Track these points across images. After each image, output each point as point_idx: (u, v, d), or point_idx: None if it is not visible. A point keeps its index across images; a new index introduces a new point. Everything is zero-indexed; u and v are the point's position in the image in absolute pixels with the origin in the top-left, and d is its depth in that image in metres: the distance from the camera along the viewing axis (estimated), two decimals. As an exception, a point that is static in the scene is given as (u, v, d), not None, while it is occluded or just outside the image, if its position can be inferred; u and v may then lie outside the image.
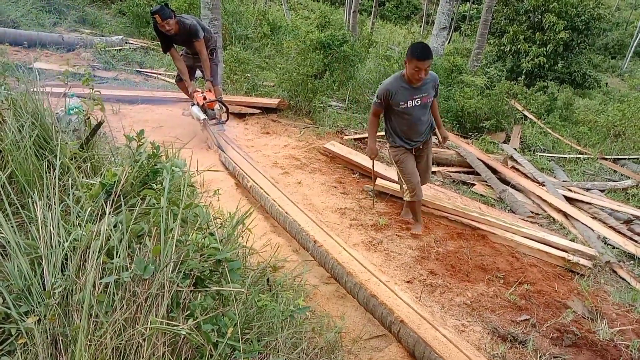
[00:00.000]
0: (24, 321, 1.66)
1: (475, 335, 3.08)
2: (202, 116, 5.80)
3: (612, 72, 27.78)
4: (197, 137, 5.85)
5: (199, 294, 1.74)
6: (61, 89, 4.23)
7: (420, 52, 3.61)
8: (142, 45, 10.74)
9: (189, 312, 1.67)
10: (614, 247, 4.63)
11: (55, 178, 2.24)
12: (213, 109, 5.91)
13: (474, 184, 6.09)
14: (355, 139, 6.99)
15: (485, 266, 3.93)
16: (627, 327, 3.33)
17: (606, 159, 7.96)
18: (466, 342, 2.60)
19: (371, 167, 4.67)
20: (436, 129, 4.29)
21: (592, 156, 7.99)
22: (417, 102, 3.88)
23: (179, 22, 5.43)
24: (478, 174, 6.29)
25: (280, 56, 10.33)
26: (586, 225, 5.03)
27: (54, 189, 2.19)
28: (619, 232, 4.99)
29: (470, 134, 8.47)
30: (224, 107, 6.02)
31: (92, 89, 3.94)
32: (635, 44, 29.75)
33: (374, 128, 4.18)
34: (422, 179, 4.28)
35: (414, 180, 4.12)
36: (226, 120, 6.13)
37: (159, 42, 5.76)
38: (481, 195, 5.75)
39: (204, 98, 5.83)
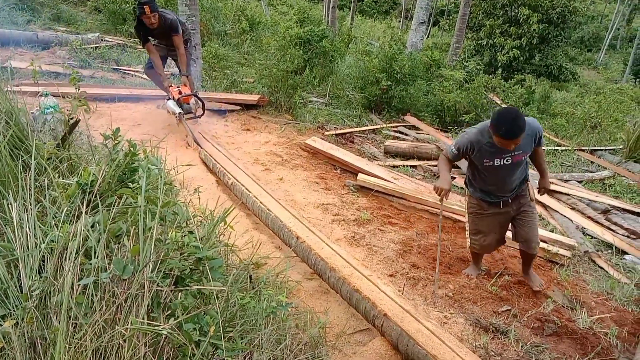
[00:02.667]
0: (1, 325, 1.62)
1: (458, 326, 3.11)
2: (178, 110, 5.80)
3: (588, 65, 28.25)
4: (175, 135, 5.80)
5: (180, 293, 1.72)
6: (36, 88, 4.14)
7: (505, 131, 2.87)
8: (118, 43, 10.57)
9: (170, 311, 1.65)
10: (592, 237, 4.72)
11: (30, 179, 2.20)
12: (189, 103, 5.93)
13: (454, 177, 6.13)
14: (337, 135, 7.00)
15: (467, 258, 3.97)
16: (606, 315, 3.39)
17: (583, 151, 8.09)
18: (449, 334, 2.63)
19: (440, 206, 3.64)
20: (527, 183, 3.46)
21: (569, 148, 8.12)
22: (507, 161, 3.15)
23: (160, 16, 5.46)
24: (458, 167, 6.34)
25: (259, 52, 10.26)
26: (565, 216, 5.12)
27: (29, 189, 2.14)
28: (597, 222, 5.09)
29: (449, 127, 8.54)
30: (199, 102, 6.02)
31: (78, 89, 3.87)
32: (610, 37, 30.30)
33: (446, 165, 3.40)
34: (526, 241, 3.47)
35: (482, 242, 3.55)
36: (202, 115, 6.14)
37: (137, 38, 5.77)
38: (461, 188, 5.78)
39: (180, 92, 5.83)
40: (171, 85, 5.92)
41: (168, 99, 5.96)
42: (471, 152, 3.20)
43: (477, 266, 3.80)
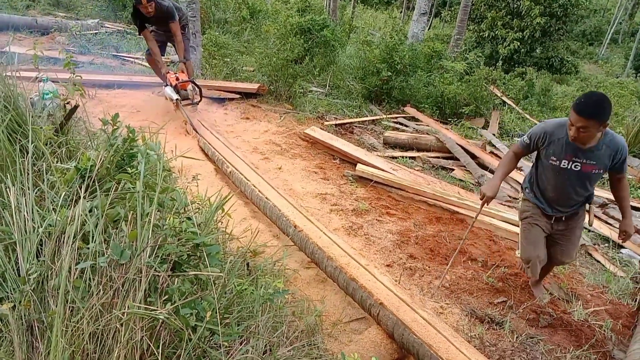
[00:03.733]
0: (-2, 308, 1.63)
1: (454, 317, 3.13)
2: (175, 96, 5.83)
3: (590, 59, 28.15)
4: (175, 122, 5.79)
5: (177, 279, 1.72)
6: (35, 73, 4.13)
7: (581, 104, 2.59)
8: (118, 29, 10.53)
9: (167, 296, 1.66)
10: (589, 231, 4.72)
11: (28, 163, 2.20)
12: (186, 90, 5.98)
13: (453, 169, 6.14)
14: (336, 125, 6.98)
15: (465, 250, 3.98)
16: (601, 308, 3.41)
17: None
18: (444, 324, 2.64)
19: (478, 210, 3.34)
20: (590, 206, 3.12)
21: (568, 141, 8.10)
22: (575, 167, 2.83)
23: (156, 3, 5.45)
24: (457, 159, 6.35)
25: (259, 40, 10.23)
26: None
27: (27, 174, 2.14)
28: (594, 215, 5.09)
29: (449, 119, 8.52)
30: (196, 88, 6.06)
31: (74, 73, 3.86)
32: (612, 31, 30.17)
33: (504, 167, 3.17)
34: (553, 259, 3.27)
35: (530, 253, 3.17)
36: (199, 102, 6.18)
37: (135, 25, 5.76)
38: (460, 180, 5.81)
39: (177, 79, 5.87)
40: (169, 72, 5.95)
41: (166, 85, 5.99)
42: (542, 142, 2.93)
43: (539, 287, 3.49)
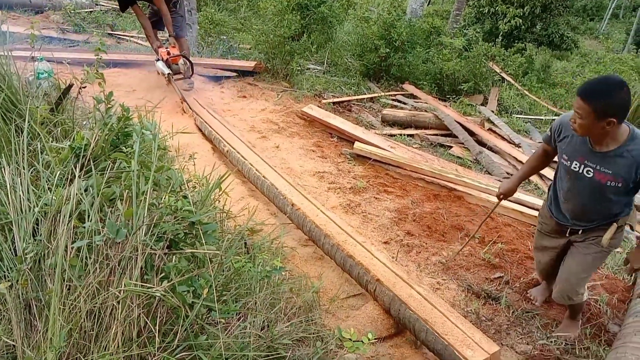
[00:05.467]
0: (-4, 287, 1.64)
1: (450, 292, 3.15)
2: (167, 71, 5.84)
3: (590, 35, 27.91)
4: (171, 101, 5.75)
5: (174, 257, 1.73)
6: (29, 52, 4.08)
7: (584, 83, 2.19)
8: (113, 8, 10.39)
9: (163, 274, 1.67)
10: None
11: (23, 142, 2.19)
12: (177, 64, 5.99)
13: (451, 146, 6.13)
14: (334, 103, 6.94)
15: (462, 227, 3.99)
16: (597, 283, 3.44)
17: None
18: (441, 299, 2.66)
19: (493, 207, 3.27)
20: (616, 226, 2.48)
21: (567, 118, 8.08)
22: (587, 173, 2.36)
23: None
24: (455, 136, 6.33)
25: (256, 17, 10.10)
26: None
27: (22, 153, 2.14)
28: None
29: (448, 96, 8.48)
30: (187, 62, 6.05)
31: (100, 60, 3.69)
32: (613, 6, 29.84)
33: (527, 164, 2.92)
34: (558, 278, 2.76)
35: (535, 253, 3.04)
36: (191, 75, 6.17)
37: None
38: (458, 157, 5.80)
39: (168, 53, 5.85)
40: (160, 46, 5.93)
41: (157, 60, 5.99)
42: (557, 135, 2.51)
43: (543, 287, 3.19)
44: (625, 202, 2.43)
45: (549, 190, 2.77)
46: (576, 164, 2.40)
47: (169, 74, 5.82)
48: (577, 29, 24.86)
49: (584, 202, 2.47)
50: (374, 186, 4.55)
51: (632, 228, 2.54)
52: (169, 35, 5.94)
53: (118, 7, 5.95)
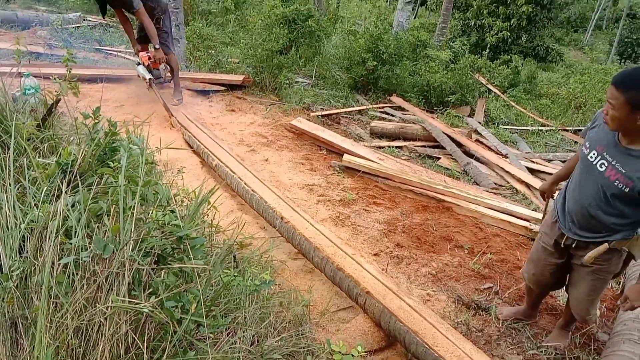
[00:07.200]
0: (-19, 305, 1.62)
1: (440, 303, 3.16)
2: (148, 76, 5.87)
3: (574, 46, 28.37)
4: (159, 116, 5.75)
5: (162, 272, 1.72)
6: (16, 68, 4.07)
7: (619, 73, 2.05)
8: (100, 23, 10.39)
9: (151, 290, 1.65)
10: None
11: (9, 159, 2.17)
12: (158, 69, 6.05)
13: (439, 158, 6.17)
14: (323, 116, 6.97)
15: (451, 238, 4.01)
16: (585, 291, 3.46)
17: (567, 131, 8.17)
18: (430, 310, 2.67)
19: (544, 209, 3.01)
20: (601, 247, 2.33)
21: (553, 128, 8.20)
22: (601, 166, 2.19)
23: None
24: (443, 148, 6.37)
25: (244, 32, 10.15)
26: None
27: (8, 170, 2.12)
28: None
29: (435, 108, 8.55)
30: (168, 67, 6.13)
31: (70, 70, 3.79)
32: (596, 18, 30.38)
33: (566, 163, 2.75)
34: (572, 299, 2.68)
35: (528, 269, 2.82)
36: (171, 80, 6.33)
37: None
38: (446, 168, 5.84)
39: (149, 58, 5.88)
40: (141, 51, 5.96)
41: (138, 64, 6.02)
42: (592, 124, 2.36)
43: (527, 308, 3.06)
44: (629, 221, 2.23)
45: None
46: (594, 154, 2.23)
47: (150, 79, 5.86)
48: (562, 40, 25.29)
49: (589, 202, 2.28)
50: (363, 198, 4.56)
51: (634, 258, 2.36)
52: (153, 47, 5.91)
53: (106, 22, 5.97)
